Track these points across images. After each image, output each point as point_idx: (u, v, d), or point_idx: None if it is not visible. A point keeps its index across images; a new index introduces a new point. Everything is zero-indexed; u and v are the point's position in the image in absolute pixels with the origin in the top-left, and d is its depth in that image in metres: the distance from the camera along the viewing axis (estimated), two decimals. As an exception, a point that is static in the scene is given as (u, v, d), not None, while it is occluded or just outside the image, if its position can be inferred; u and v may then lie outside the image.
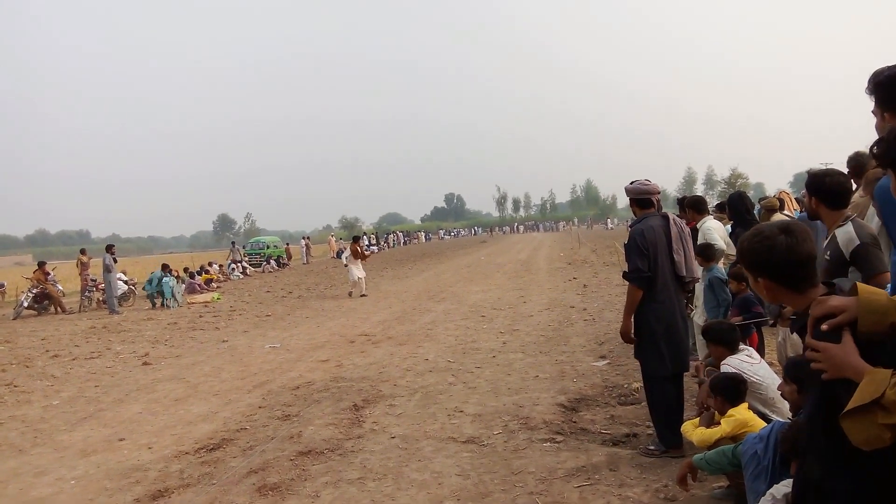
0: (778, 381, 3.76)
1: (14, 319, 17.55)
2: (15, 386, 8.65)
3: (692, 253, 4.94)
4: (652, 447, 4.63)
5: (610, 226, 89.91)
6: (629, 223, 6.12)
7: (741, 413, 3.70)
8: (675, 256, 4.77)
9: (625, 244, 4.92)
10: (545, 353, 8.31)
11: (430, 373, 7.71)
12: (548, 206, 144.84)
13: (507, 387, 6.80)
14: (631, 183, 4.98)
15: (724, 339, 4.30)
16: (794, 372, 3.12)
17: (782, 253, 1.80)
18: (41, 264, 20.02)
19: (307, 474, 4.77)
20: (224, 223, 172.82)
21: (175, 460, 5.33)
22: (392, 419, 5.96)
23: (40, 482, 5.04)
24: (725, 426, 3.66)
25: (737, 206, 6.90)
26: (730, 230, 7.11)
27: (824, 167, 4.14)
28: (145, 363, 9.80)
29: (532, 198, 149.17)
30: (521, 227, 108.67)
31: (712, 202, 6.90)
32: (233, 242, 31.63)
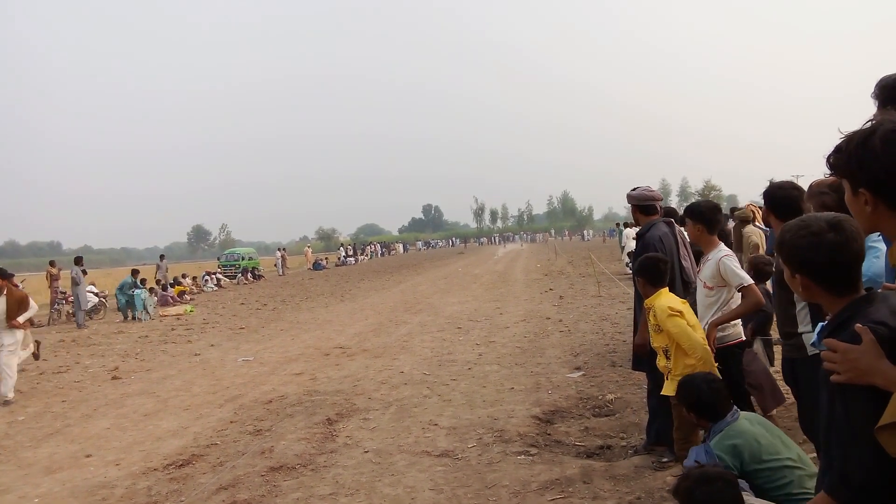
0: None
1: (-21, 333, 17.12)
2: (-22, 402, 8.41)
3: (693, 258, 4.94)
4: (665, 459, 4.54)
5: (587, 237, 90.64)
6: (635, 231, 6.07)
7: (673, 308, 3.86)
8: (683, 262, 4.77)
9: (634, 252, 4.89)
10: (521, 365, 8.31)
11: (406, 385, 7.66)
12: (525, 217, 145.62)
13: (482, 399, 6.78)
14: (633, 190, 4.93)
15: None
16: None
17: (827, 252, 1.65)
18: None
19: (278, 490, 4.69)
20: (199, 235, 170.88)
21: (143, 477, 5.21)
22: (366, 433, 5.90)
23: (3, 501, 4.89)
24: (672, 327, 3.78)
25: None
26: None
27: (793, 178, 4.24)
28: (115, 377, 9.62)
29: (510, 209, 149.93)
30: (496, 238, 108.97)
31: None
32: (161, 256, 28.33)
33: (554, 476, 4.53)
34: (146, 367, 10.33)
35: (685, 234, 5.00)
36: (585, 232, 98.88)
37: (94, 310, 19.20)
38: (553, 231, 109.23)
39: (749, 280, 4.03)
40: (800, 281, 1.74)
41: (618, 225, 31.41)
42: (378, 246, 72.85)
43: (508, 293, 18.21)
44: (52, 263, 20.91)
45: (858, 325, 1.55)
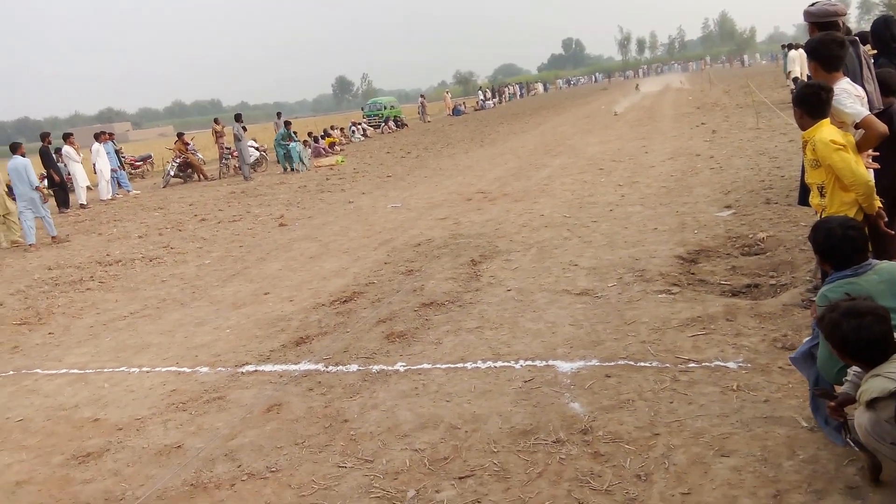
0: None
1: (164, 188, 19.35)
2: (172, 248, 9.73)
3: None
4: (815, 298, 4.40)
5: (748, 63, 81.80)
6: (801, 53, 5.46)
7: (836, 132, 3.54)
8: (865, 86, 4.30)
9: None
10: (665, 205, 8.08)
11: (546, 228, 7.78)
12: (676, 45, 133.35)
13: (623, 240, 6.76)
14: (812, 5, 4.40)
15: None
16: None
17: None
18: (180, 135, 21.55)
19: (430, 324, 5.13)
20: (342, 86, 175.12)
21: (313, 311, 5.90)
22: (508, 273, 6.17)
23: (201, 331, 5.80)
24: (838, 161, 3.46)
25: (881, 33, 5.97)
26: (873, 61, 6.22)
27: None
28: (281, 224, 10.60)
29: (659, 37, 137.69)
30: (641, 72, 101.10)
31: (866, 29, 5.98)
32: (278, 113, 27.07)
33: (696, 313, 4.55)
34: (307, 215, 11.25)
35: (867, 53, 4.40)
36: (745, 57, 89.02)
37: (257, 163, 20.81)
38: (709, 58, 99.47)
39: (862, 112, 3.57)
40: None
41: (783, 47, 27.88)
42: (517, 87, 70.77)
43: (655, 130, 17.29)
44: (216, 121, 22.62)
45: None
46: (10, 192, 12.00)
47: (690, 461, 2.91)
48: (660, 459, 2.96)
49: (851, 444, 2.72)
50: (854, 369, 2.61)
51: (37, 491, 3.47)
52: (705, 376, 3.65)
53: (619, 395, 3.58)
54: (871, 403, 2.40)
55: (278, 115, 26.05)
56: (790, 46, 21.58)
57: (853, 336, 2.42)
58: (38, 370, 5.30)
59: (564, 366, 4.05)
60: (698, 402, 3.40)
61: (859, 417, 2.49)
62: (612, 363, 3.98)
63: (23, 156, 11.82)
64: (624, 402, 3.50)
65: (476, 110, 46.31)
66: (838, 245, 2.90)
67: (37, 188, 11.55)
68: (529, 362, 4.17)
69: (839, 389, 2.71)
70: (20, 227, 11.41)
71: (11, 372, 5.34)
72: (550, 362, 4.13)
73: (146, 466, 3.56)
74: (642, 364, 3.92)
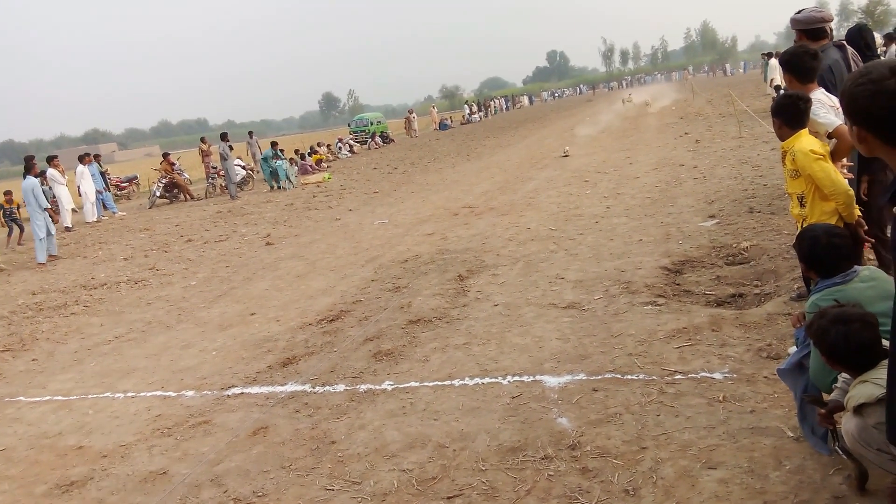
0: None
1: (150, 208, 19.25)
2: (157, 269, 9.67)
3: None
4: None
5: (730, 72, 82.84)
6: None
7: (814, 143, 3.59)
8: None
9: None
10: (650, 216, 8.13)
11: (532, 241, 7.81)
12: (659, 55, 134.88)
13: (609, 252, 6.79)
14: (798, 13, 4.45)
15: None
16: None
17: (888, 99, 1.51)
18: (165, 155, 21.49)
19: (417, 341, 5.12)
20: (329, 102, 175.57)
21: (300, 331, 5.87)
22: (495, 288, 6.18)
23: (187, 353, 5.75)
24: (817, 170, 3.51)
25: (855, 41, 6.09)
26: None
27: None
28: (268, 243, 10.57)
29: (642, 47, 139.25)
30: (625, 83, 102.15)
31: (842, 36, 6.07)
32: (250, 133, 26.24)
33: (681, 325, 4.57)
34: (294, 233, 11.23)
35: (858, 57, 4.47)
36: (728, 66, 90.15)
37: (244, 182, 20.76)
38: (692, 68, 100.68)
39: (834, 122, 3.63)
40: (856, 133, 1.58)
41: (763, 55, 28.24)
42: (502, 100, 71.18)
43: (639, 140, 17.43)
44: (202, 140, 22.60)
45: None
46: (7, 217, 12.46)
47: (678, 474, 2.91)
48: (647, 473, 2.95)
49: (839, 451, 2.72)
50: (843, 376, 2.62)
51: (19, 523, 3.41)
52: (692, 388, 3.66)
53: (607, 409, 3.58)
54: (859, 409, 2.41)
55: (250, 133, 25.68)
56: (770, 55, 21.90)
57: (841, 343, 2.44)
58: (21, 397, 5.23)
59: (552, 380, 4.04)
60: (685, 414, 3.40)
61: (846, 423, 2.49)
62: (600, 377, 3.99)
63: (35, 176, 12.11)
64: (611, 416, 3.50)
65: (462, 124, 46.54)
66: (824, 253, 2.91)
67: (46, 209, 11.74)
68: (517, 378, 4.16)
69: (827, 397, 2.72)
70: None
71: (-6, 400, 5.26)
72: (538, 377, 4.12)
73: (131, 494, 3.51)
74: (629, 377, 3.92)
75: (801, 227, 3.79)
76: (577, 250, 7.07)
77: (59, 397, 5.10)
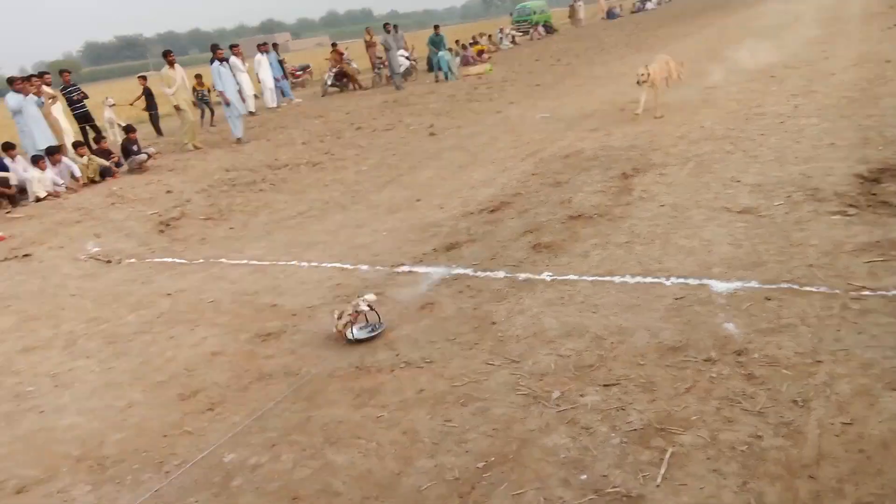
0: None
1: (322, 96, 20.23)
2: (332, 154, 10.30)
3: None
4: None
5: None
6: None
7: None
8: None
9: None
10: (846, 117, 7.27)
11: (706, 140, 7.32)
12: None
13: (794, 155, 6.22)
14: None
15: None
16: None
17: None
18: (334, 45, 22.16)
19: (577, 236, 5.13)
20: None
21: (462, 219, 6.08)
22: (662, 188, 5.95)
23: (361, 232, 6.21)
24: None
25: None
26: None
27: None
28: (431, 133, 10.81)
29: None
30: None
31: None
32: (274, 44, 20.94)
33: (874, 238, 4.17)
34: (456, 124, 11.36)
35: None
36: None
37: (407, 72, 21.05)
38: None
39: None
40: None
41: None
42: (681, -14, 64.61)
43: (838, 32, 15.29)
44: (367, 31, 22.98)
45: None
46: (199, 100, 13.43)
47: (855, 392, 2.78)
48: (820, 387, 2.85)
49: None
50: None
51: (228, 362, 4.03)
52: (881, 305, 3.40)
53: (780, 319, 3.43)
54: None
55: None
56: None
57: None
58: (224, 259, 5.99)
59: (720, 285, 3.92)
60: (870, 332, 3.18)
61: None
62: (774, 286, 3.80)
63: (220, 60, 12.93)
64: (784, 327, 3.36)
65: (633, 13, 43.24)
66: None
67: (220, 93, 12.69)
68: (681, 280, 4.08)
69: None
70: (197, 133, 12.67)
71: (202, 260, 6.08)
72: (704, 281, 4.01)
73: (318, 349, 3.99)
74: (808, 288, 3.70)
75: None
76: (757, 152, 6.54)
77: (255, 262, 5.79)
